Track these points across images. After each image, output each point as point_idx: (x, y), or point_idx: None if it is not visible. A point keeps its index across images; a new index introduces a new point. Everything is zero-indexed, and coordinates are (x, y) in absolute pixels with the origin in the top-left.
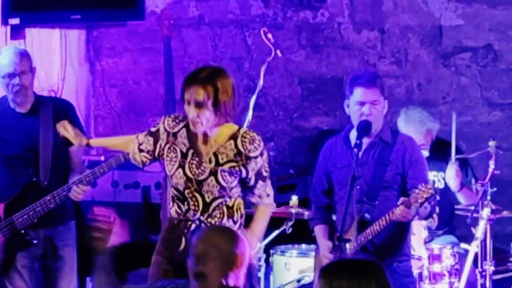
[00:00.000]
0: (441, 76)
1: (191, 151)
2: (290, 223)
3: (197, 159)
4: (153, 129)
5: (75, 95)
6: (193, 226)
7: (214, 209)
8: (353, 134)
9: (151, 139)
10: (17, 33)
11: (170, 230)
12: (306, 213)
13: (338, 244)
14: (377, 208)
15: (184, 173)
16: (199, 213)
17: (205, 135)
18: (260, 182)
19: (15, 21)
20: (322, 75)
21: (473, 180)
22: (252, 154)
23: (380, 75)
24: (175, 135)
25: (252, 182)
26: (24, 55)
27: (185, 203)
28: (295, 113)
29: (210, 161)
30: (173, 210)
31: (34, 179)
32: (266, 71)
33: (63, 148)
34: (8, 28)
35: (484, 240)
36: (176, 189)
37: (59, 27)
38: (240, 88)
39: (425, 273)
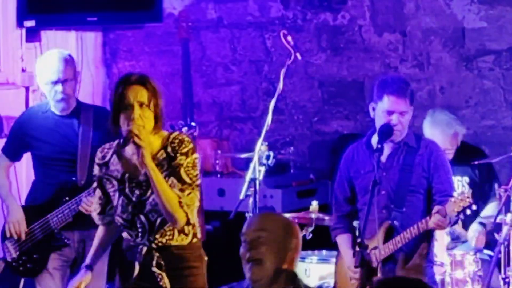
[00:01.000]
0: (464, 79)
1: (126, 176)
2: (310, 229)
3: (135, 180)
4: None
5: (91, 99)
6: (145, 249)
7: (159, 228)
8: (375, 139)
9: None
10: (32, 35)
11: (123, 258)
12: (327, 218)
13: (359, 250)
14: (405, 214)
15: (128, 199)
16: (146, 235)
17: (139, 147)
18: (174, 181)
19: (30, 23)
20: (343, 78)
21: (496, 185)
22: (178, 154)
23: (409, 83)
24: (106, 164)
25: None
26: (68, 62)
27: (133, 228)
28: (315, 117)
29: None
30: (124, 234)
31: (73, 179)
32: (286, 74)
33: None
34: (24, 30)
35: (508, 246)
36: (121, 217)
37: (75, 29)
38: (259, 91)
39: (448, 279)
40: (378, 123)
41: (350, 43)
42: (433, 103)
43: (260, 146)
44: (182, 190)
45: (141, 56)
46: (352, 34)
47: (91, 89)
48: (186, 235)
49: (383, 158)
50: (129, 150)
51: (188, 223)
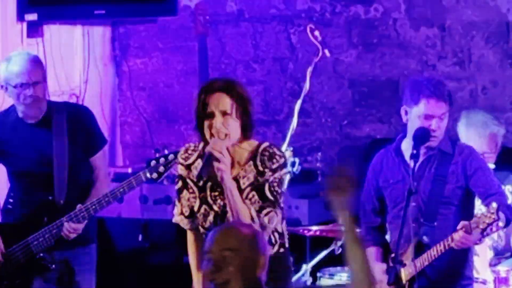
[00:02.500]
0: (509, 78)
1: (209, 184)
2: (339, 243)
3: (218, 189)
4: (179, 185)
5: (99, 100)
6: None
7: None
8: (405, 145)
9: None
10: (34, 30)
11: None
12: (358, 231)
13: (393, 266)
14: (437, 229)
15: (210, 208)
16: None
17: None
18: (255, 196)
19: (32, 17)
20: (376, 77)
21: None
22: (266, 169)
23: (445, 83)
24: (189, 167)
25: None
26: (37, 63)
27: None
28: (345, 120)
29: None
30: None
31: (50, 198)
32: (313, 73)
33: (81, 161)
34: (25, 24)
35: None
36: (204, 227)
37: (82, 23)
38: (284, 92)
39: None
40: (412, 128)
41: (383, 39)
42: (475, 105)
43: (285, 152)
44: (261, 209)
45: (154, 53)
46: (386, 28)
47: (99, 89)
48: (272, 245)
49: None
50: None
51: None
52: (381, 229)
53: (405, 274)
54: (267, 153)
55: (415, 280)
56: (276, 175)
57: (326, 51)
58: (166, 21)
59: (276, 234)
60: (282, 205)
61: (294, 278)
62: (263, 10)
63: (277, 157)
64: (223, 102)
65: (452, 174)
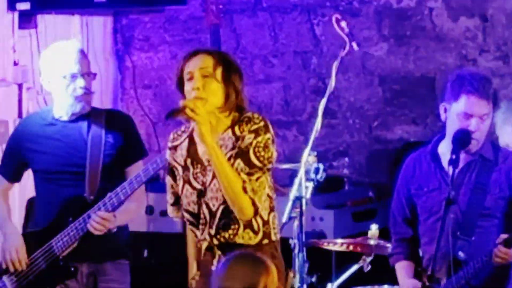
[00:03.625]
0: None
1: (189, 160)
2: (368, 259)
3: (199, 165)
4: (168, 175)
5: (100, 98)
6: (205, 244)
7: (221, 219)
8: (443, 148)
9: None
10: (26, 20)
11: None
12: (389, 245)
13: (429, 285)
14: (474, 245)
15: (193, 187)
16: (207, 227)
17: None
18: (240, 164)
19: (24, 5)
20: (409, 74)
21: None
22: (245, 133)
23: (492, 80)
24: (175, 148)
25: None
26: (86, 55)
27: (199, 226)
28: (375, 121)
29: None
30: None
31: (79, 194)
32: (339, 68)
33: (116, 166)
34: (16, 14)
35: None
36: (188, 211)
37: (80, 13)
38: (306, 90)
39: None
40: (451, 128)
41: (418, 30)
42: None
43: (308, 157)
44: (250, 174)
45: (161, 46)
46: (420, 19)
47: (99, 87)
48: (255, 233)
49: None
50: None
51: (256, 214)
52: (413, 241)
53: None
54: (246, 119)
55: None
56: (259, 138)
57: (354, 44)
58: (174, 11)
59: (259, 220)
60: (271, 170)
61: None
62: None
63: (256, 120)
64: (204, 61)
65: (494, 183)
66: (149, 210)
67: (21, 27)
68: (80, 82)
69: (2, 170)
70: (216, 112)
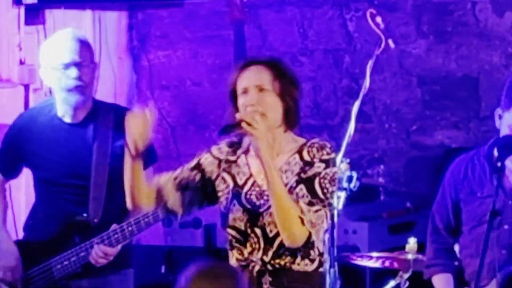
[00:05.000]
0: None
1: (251, 180)
2: (406, 275)
3: (257, 188)
4: (193, 163)
5: (113, 100)
6: (256, 267)
7: (281, 247)
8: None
9: (196, 173)
10: (34, 15)
11: None
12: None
13: None
14: None
15: (241, 205)
16: (260, 252)
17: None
18: (303, 190)
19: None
20: (450, 74)
21: None
22: (316, 160)
23: None
24: (229, 162)
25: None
26: (85, 43)
27: (247, 244)
28: (413, 126)
29: None
30: (233, 259)
31: (84, 215)
32: (374, 68)
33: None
34: (22, 9)
35: None
36: (233, 227)
37: (91, 7)
38: (338, 91)
39: None
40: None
41: (460, 26)
42: None
43: (340, 165)
44: (310, 204)
45: (180, 44)
46: (463, 14)
47: (113, 87)
48: (312, 261)
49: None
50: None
51: (310, 245)
52: (452, 252)
53: None
54: (316, 145)
55: None
56: (328, 170)
57: (390, 42)
58: (194, 5)
59: (316, 250)
60: (330, 211)
61: None
62: None
63: (328, 149)
64: (260, 75)
65: None
66: (167, 222)
67: (27, 23)
68: (73, 72)
69: None
70: (279, 132)
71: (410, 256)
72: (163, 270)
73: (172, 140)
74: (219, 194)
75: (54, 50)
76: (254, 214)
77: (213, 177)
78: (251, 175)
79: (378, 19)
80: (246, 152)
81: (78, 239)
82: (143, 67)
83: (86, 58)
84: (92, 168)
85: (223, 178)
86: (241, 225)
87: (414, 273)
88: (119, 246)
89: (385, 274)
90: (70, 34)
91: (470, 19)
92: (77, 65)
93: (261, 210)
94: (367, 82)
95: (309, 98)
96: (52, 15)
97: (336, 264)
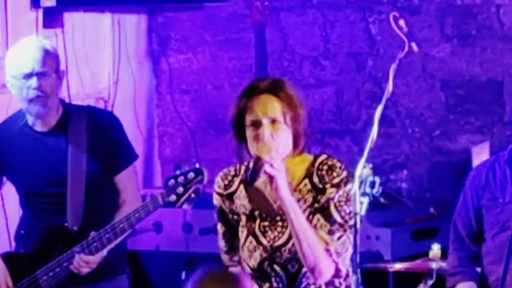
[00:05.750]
0: None
1: (257, 212)
2: (430, 282)
3: (268, 218)
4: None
5: (133, 105)
6: None
7: (304, 282)
8: None
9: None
10: (52, 19)
11: None
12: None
13: None
14: None
15: (258, 241)
16: None
17: (271, 178)
18: (320, 220)
19: (49, 2)
20: (474, 77)
21: None
22: (327, 186)
23: None
24: (230, 197)
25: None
26: (48, 52)
27: (266, 282)
28: (437, 130)
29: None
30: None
31: (65, 224)
32: (397, 71)
33: (102, 180)
34: (40, 12)
35: None
36: (250, 266)
37: (111, 10)
38: (361, 95)
39: None
40: None
41: (484, 30)
42: None
43: (362, 170)
44: (331, 233)
45: (200, 47)
46: (487, 17)
47: (132, 93)
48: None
49: None
50: (261, 179)
51: (338, 275)
52: (476, 260)
53: None
54: (325, 167)
55: None
56: (341, 192)
57: (414, 45)
58: (215, 8)
59: (342, 274)
60: (351, 230)
61: None
62: None
63: (338, 170)
64: (271, 106)
65: None
66: (187, 228)
67: (46, 26)
68: (33, 82)
69: None
70: (288, 160)
71: (434, 264)
72: (183, 276)
73: (192, 145)
74: (240, 227)
75: (16, 60)
76: (269, 248)
77: (224, 212)
78: (253, 207)
79: (401, 22)
80: (242, 182)
81: (61, 248)
82: (163, 71)
83: (48, 67)
84: (68, 175)
85: (232, 216)
86: (255, 263)
87: (438, 277)
88: (104, 252)
89: (409, 280)
90: (33, 42)
91: (494, 22)
92: (37, 75)
93: (277, 244)
94: (390, 86)
95: (332, 102)
96: (71, 18)
97: (358, 271)
